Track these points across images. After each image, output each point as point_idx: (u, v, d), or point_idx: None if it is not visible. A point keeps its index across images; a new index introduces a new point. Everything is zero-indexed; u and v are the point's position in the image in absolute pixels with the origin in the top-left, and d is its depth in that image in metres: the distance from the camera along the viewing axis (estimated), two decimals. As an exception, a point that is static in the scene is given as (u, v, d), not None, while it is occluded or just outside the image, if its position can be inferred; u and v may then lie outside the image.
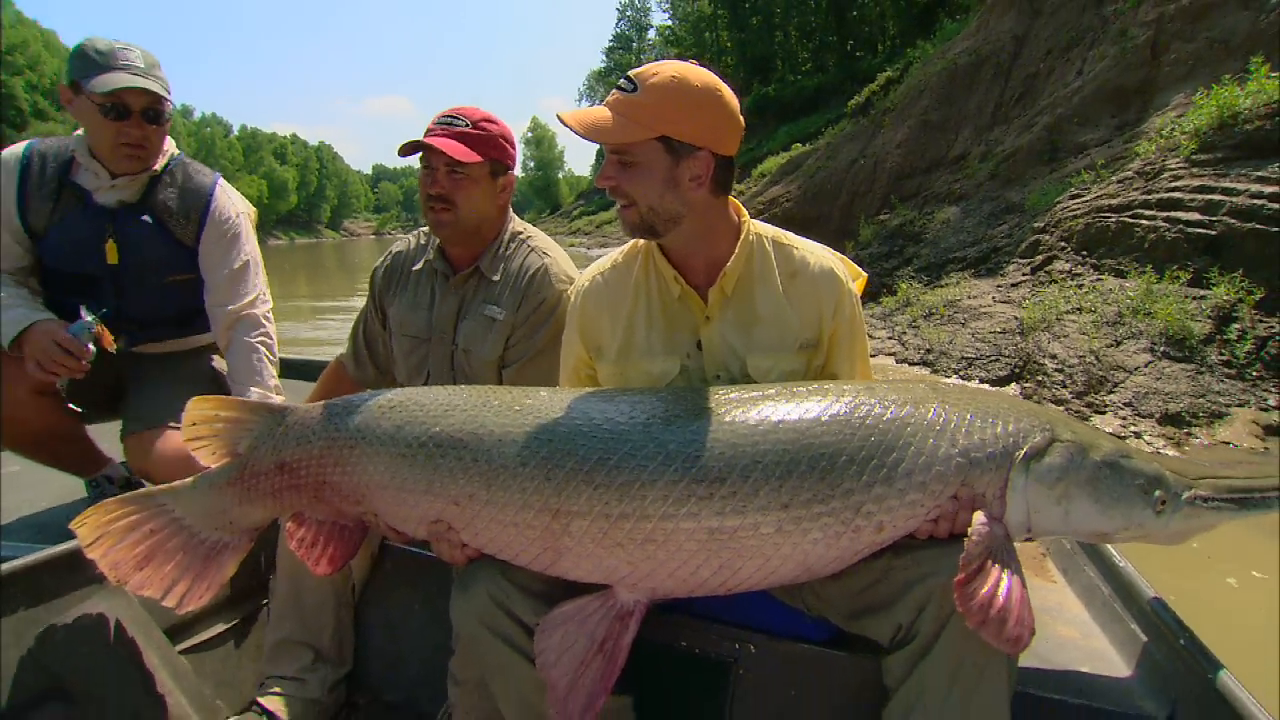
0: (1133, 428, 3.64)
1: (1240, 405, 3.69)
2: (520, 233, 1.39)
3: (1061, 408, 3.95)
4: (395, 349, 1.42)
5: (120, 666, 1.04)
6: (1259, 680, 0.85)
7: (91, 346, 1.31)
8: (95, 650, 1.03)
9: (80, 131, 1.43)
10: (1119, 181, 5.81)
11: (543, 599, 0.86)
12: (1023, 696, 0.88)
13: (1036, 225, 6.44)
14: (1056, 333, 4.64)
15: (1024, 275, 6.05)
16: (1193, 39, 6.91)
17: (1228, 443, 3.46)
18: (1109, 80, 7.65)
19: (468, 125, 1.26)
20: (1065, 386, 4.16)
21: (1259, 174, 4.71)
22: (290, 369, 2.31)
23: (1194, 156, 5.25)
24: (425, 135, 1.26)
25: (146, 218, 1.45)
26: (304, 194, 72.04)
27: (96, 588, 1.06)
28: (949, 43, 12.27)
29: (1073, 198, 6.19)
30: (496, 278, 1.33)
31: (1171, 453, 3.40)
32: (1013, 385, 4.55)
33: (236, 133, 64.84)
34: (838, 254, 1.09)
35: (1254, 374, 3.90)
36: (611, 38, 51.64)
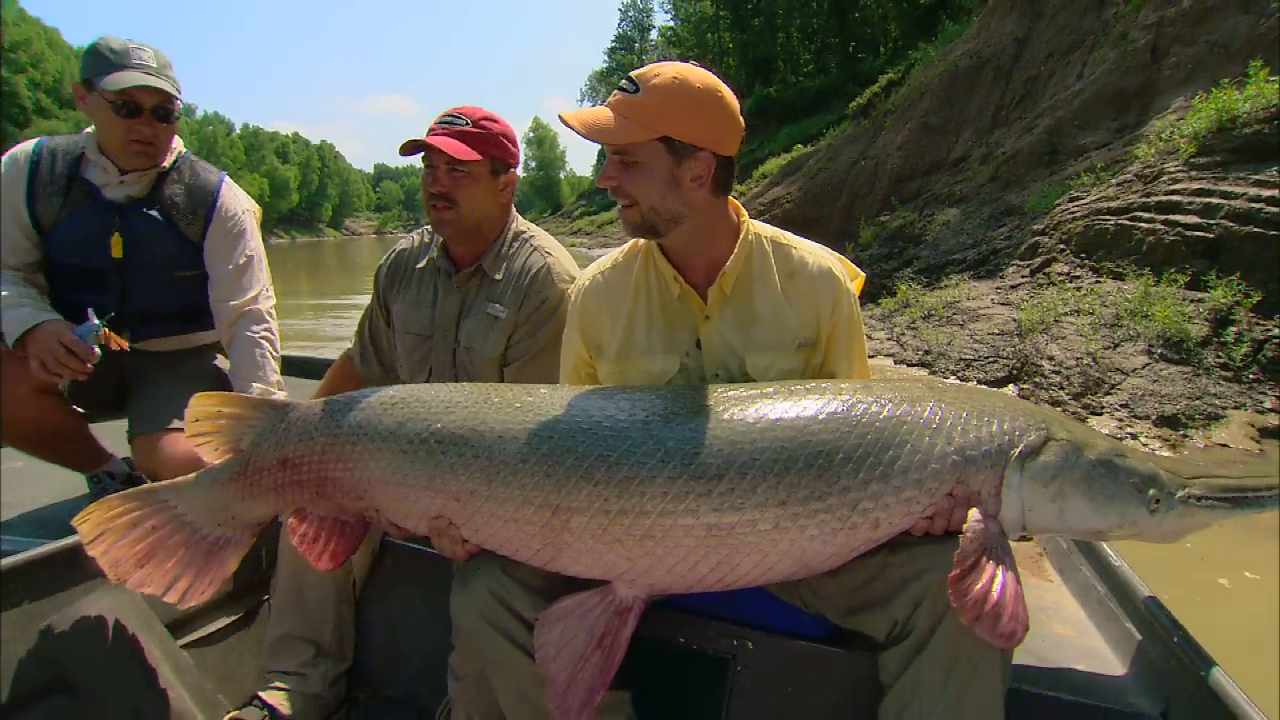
0: (1129, 429, 3.65)
1: (1236, 407, 3.71)
2: (523, 232, 1.40)
3: (1058, 409, 3.96)
4: (398, 346, 1.43)
5: (122, 661, 1.04)
6: (1252, 679, 0.86)
7: (97, 349, 1.32)
8: (97, 645, 1.03)
9: (90, 129, 1.45)
10: (1118, 184, 5.82)
11: (542, 594, 0.87)
12: (1018, 693, 0.89)
13: (1036, 228, 6.45)
14: (1054, 335, 4.65)
15: (1023, 277, 6.07)
16: (1193, 42, 6.92)
17: (1224, 445, 3.47)
18: (1109, 83, 7.67)
19: (468, 124, 1.26)
20: (1062, 388, 4.17)
21: (1257, 177, 4.73)
22: (292, 366, 2.32)
23: (1193, 160, 5.26)
24: (427, 135, 1.27)
25: (154, 213, 1.47)
26: (305, 193, 72.08)
27: (99, 582, 1.07)
28: (950, 45, 12.30)
29: (1072, 200, 6.20)
30: (499, 276, 1.34)
31: (1167, 454, 3.42)
32: (1010, 387, 4.56)
33: (239, 131, 64.91)
34: (836, 254, 1.10)
35: (1250, 376, 3.91)
36: (614, 38, 51.76)
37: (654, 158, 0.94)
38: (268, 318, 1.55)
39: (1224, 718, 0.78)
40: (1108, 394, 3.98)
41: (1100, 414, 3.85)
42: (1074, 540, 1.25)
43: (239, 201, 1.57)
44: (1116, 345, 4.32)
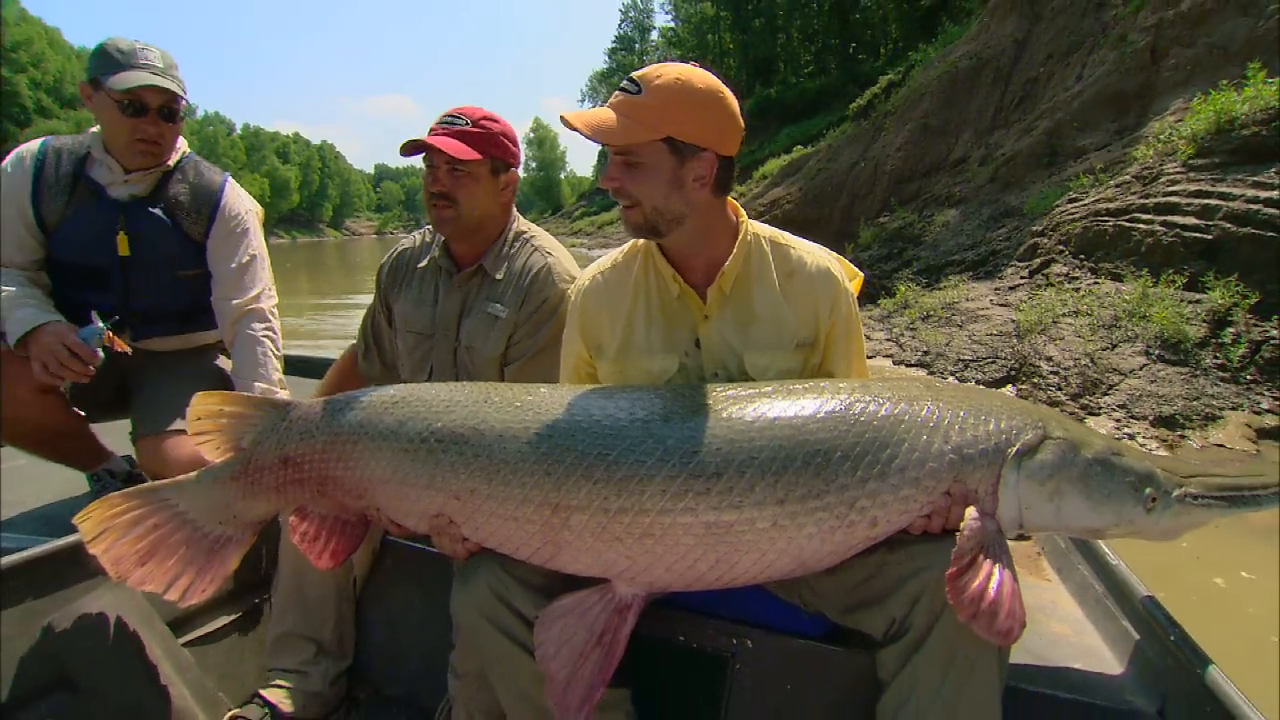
0: (1126, 430, 3.66)
1: (1234, 408, 3.72)
2: (524, 232, 1.41)
3: (1056, 409, 3.97)
4: (400, 345, 1.44)
5: (124, 659, 1.05)
6: (1248, 678, 0.86)
7: (100, 352, 1.33)
8: (99, 643, 1.04)
9: (96, 129, 1.46)
10: (1117, 186, 5.83)
11: (542, 592, 0.88)
12: (1016, 692, 0.90)
13: (1035, 229, 6.46)
14: (1052, 335, 4.66)
15: (1022, 278, 6.08)
16: (1192, 44, 6.94)
17: (1221, 445, 3.48)
18: (1108, 85, 7.69)
19: (468, 124, 1.27)
20: (1060, 389, 4.18)
21: (1255, 179, 4.74)
22: (292, 365, 2.32)
23: (1191, 161, 5.28)
24: (428, 135, 1.28)
25: (158, 211, 1.48)
26: (306, 193, 72.09)
27: (101, 580, 1.07)
28: (950, 47, 12.31)
29: (1071, 201, 6.21)
30: (500, 276, 1.35)
31: (1164, 455, 3.43)
32: (1009, 387, 4.57)
33: (239, 131, 64.90)
34: (834, 254, 1.10)
35: (1248, 377, 3.93)
36: (614, 39, 51.74)
37: (657, 158, 0.95)
38: (270, 316, 1.56)
39: (1220, 715, 0.79)
40: (1105, 395, 3.99)
41: (1098, 414, 3.86)
42: (1072, 539, 1.25)
43: (242, 201, 1.58)
44: (1114, 346, 4.33)
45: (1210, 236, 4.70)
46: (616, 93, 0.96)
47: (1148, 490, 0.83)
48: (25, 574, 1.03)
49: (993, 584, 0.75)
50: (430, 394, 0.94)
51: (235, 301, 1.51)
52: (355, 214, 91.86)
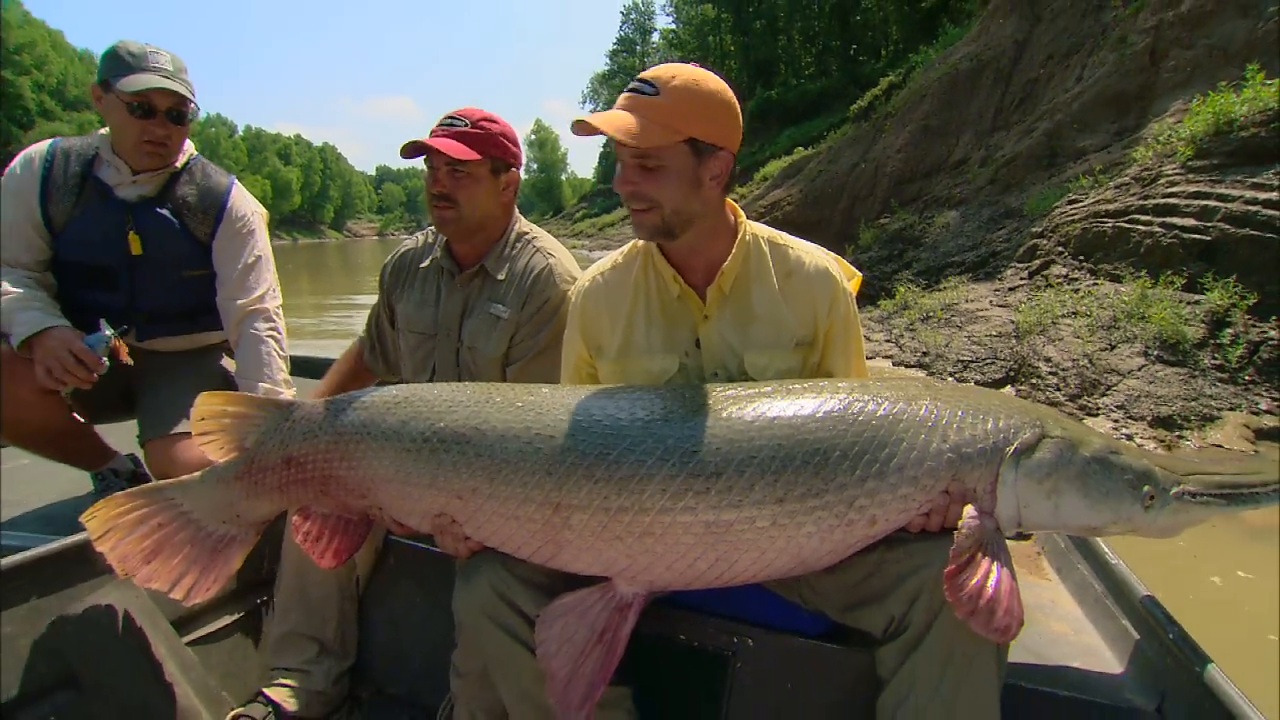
0: (1124, 430, 3.67)
1: (1232, 409, 3.73)
2: (526, 233, 1.41)
3: (1055, 409, 3.97)
4: (402, 345, 1.45)
5: (128, 657, 1.05)
6: (1246, 676, 0.87)
7: (105, 360, 1.34)
8: (104, 641, 1.05)
9: (104, 130, 1.48)
10: (1116, 187, 5.84)
11: (544, 591, 0.88)
12: (1015, 690, 0.90)
13: (1035, 230, 6.47)
14: (1051, 336, 4.67)
15: (1021, 280, 6.08)
16: (1191, 46, 6.95)
17: (1219, 445, 3.49)
18: (1108, 86, 7.69)
19: (467, 125, 1.28)
20: (1059, 389, 4.19)
21: (1254, 180, 4.74)
22: (296, 365, 2.33)
23: (1190, 163, 5.28)
24: (428, 137, 1.29)
25: (165, 212, 1.49)
26: (308, 194, 72.18)
27: (106, 579, 1.08)
28: (950, 48, 12.32)
29: (1070, 203, 6.22)
30: (502, 276, 1.35)
31: (1162, 454, 3.42)
32: (1008, 388, 4.57)
33: (241, 133, 65.00)
34: (833, 254, 1.11)
35: (1246, 378, 3.93)
36: (615, 41, 51.83)
37: (679, 160, 0.95)
38: (275, 317, 1.57)
39: (1218, 713, 0.79)
40: (1104, 395, 3.99)
41: (1096, 415, 3.87)
42: (1071, 539, 1.26)
43: (248, 203, 1.59)
44: (1113, 347, 4.34)
45: (1209, 238, 4.71)
46: (628, 94, 0.95)
47: (1146, 488, 0.83)
48: (30, 573, 1.04)
49: (990, 582, 0.76)
50: (432, 394, 0.94)
51: (240, 302, 1.52)
52: (357, 215, 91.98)
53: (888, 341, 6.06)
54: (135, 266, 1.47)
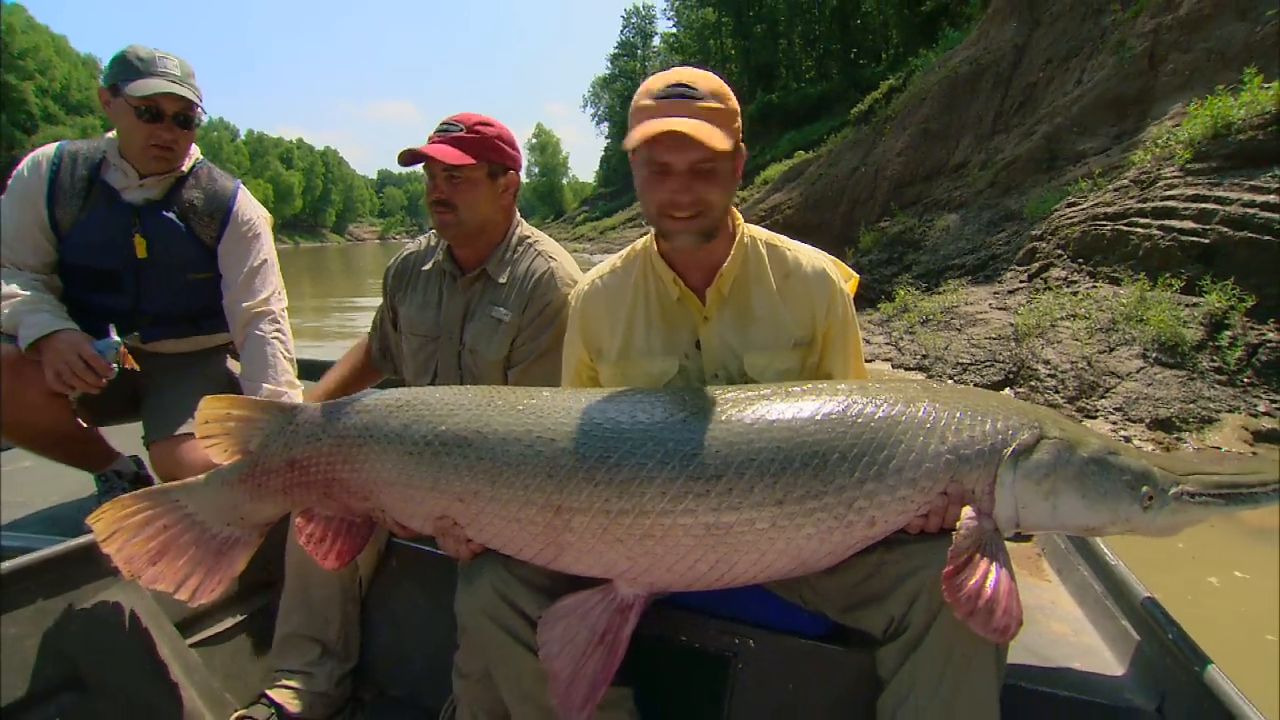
0: (1123, 432, 3.67)
1: (1230, 411, 3.73)
2: (528, 237, 1.42)
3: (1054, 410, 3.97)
4: (404, 347, 1.46)
5: (133, 659, 1.06)
6: (1243, 675, 0.87)
7: (115, 366, 1.34)
8: (109, 643, 1.05)
9: (112, 134, 1.50)
10: (1115, 190, 5.85)
11: (545, 592, 0.89)
12: (1016, 690, 0.91)
13: (1034, 233, 6.48)
14: (1050, 339, 4.67)
15: (1021, 282, 6.09)
16: (1190, 50, 6.97)
17: (1217, 447, 3.49)
18: (1107, 90, 7.72)
19: (462, 130, 1.29)
20: (1058, 392, 4.19)
21: (1252, 183, 4.76)
22: (301, 368, 2.34)
23: (1189, 165, 5.30)
24: (425, 144, 1.30)
25: (171, 215, 1.51)
26: (309, 198, 72.30)
27: (110, 581, 1.09)
28: (950, 52, 12.36)
29: (1070, 206, 6.23)
30: (503, 280, 1.36)
31: (1161, 454, 3.42)
32: (1006, 390, 4.58)
33: (243, 137, 65.21)
34: (830, 256, 1.12)
35: (1245, 380, 3.93)
36: (616, 44, 52.06)
37: (727, 162, 0.96)
38: (280, 319, 1.58)
39: (1218, 712, 0.80)
40: (1102, 397, 4.00)
41: (1095, 417, 3.88)
42: (1071, 540, 1.26)
43: (254, 207, 1.61)
44: (1112, 349, 4.34)
45: (1207, 240, 4.72)
46: (678, 100, 0.92)
47: (1144, 489, 0.84)
48: (35, 574, 1.05)
49: (989, 582, 0.76)
50: (434, 398, 0.95)
51: (246, 305, 1.54)
52: (358, 219, 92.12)
53: (887, 344, 6.07)
54: (140, 269, 1.48)
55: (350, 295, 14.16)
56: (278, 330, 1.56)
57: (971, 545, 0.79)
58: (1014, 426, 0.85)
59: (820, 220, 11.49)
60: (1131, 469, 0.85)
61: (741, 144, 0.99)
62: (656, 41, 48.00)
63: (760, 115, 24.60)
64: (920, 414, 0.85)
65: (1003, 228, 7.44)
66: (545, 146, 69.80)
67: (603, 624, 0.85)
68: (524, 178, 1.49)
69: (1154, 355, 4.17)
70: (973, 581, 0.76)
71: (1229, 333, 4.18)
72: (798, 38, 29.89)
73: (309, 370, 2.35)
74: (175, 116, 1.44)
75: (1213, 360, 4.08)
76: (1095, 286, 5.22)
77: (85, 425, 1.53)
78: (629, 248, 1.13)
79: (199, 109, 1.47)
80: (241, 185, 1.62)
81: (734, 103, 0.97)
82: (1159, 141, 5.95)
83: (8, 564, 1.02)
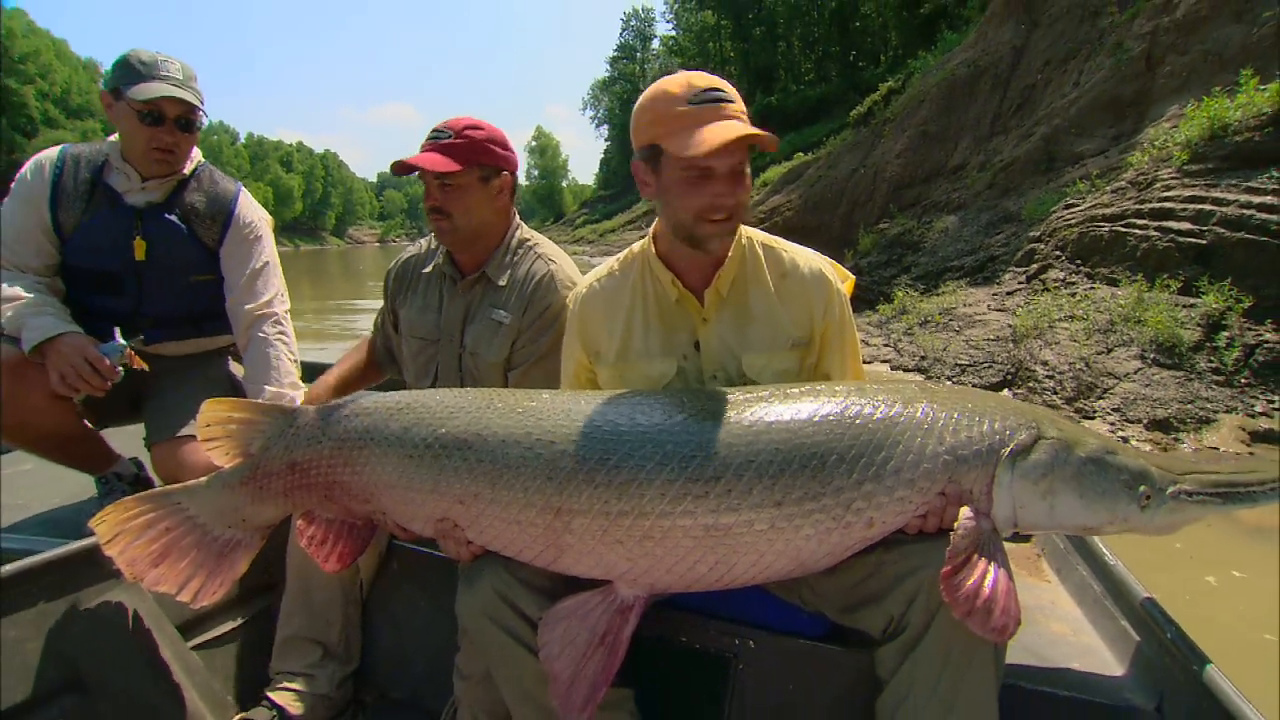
0: (1121, 433, 3.68)
1: (1228, 411, 3.74)
2: (527, 239, 1.43)
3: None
4: (405, 350, 1.46)
5: (134, 661, 1.06)
6: (1241, 675, 0.87)
7: (120, 370, 1.35)
8: (110, 645, 1.05)
9: (114, 137, 1.51)
10: (1113, 191, 5.87)
11: (546, 593, 0.89)
12: (1016, 690, 0.91)
13: (1032, 234, 6.50)
14: (1048, 340, 4.68)
15: (1019, 284, 6.10)
16: (1186, 51, 6.99)
17: (1214, 448, 3.50)
18: (1105, 91, 7.74)
19: (451, 137, 1.29)
20: (1056, 393, 4.20)
21: (1248, 184, 4.77)
22: (305, 371, 2.34)
23: (1186, 167, 5.32)
24: (416, 153, 1.30)
25: (173, 217, 1.52)
26: (309, 201, 72.32)
27: (111, 584, 1.09)
28: (949, 54, 12.39)
29: (1068, 207, 6.25)
30: (503, 283, 1.37)
31: (1159, 454, 3.43)
32: (1005, 391, 4.58)
33: (243, 140, 65.29)
34: (825, 258, 1.13)
35: (1242, 381, 3.94)
36: (616, 47, 52.07)
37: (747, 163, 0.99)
38: (283, 321, 1.59)
39: (1217, 712, 0.80)
40: (1100, 398, 4.01)
41: (1093, 418, 3.89)
42: (1071, 541, 1.26)
43: (255, 210, 1.62)
44: (1110, 350, 4.35)
45: (1204, 241, 4.74)
46: (722, 104, 0.95)
47: (1142, 488, 0.84)
48: (36, 577, 1.05)
49: (987, 581, 0.77)
50: (434, 400, 0.96)
51: (249, 307, 1.54)
52: (358, 222, 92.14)
53: (886, 346, 6.08)
54: (142, 271, 1.49)
55: (350, 298, 14.18)
56: (281, 332, 1.57)
57: (969, 545, 0.79)
58: (1011, 427, 0.86)
59: (819, 222, 11.51)
60: (1129, 468, 0.85)
61: None
62: (656, 44, 48.12)
63: (759, 117, 24.13)
64: (918, 415, 0.85)
65: (1001, 229, 7.46)
66: (545, 149, 69.85)
67: (603, 625, 0.86)
68: (524, 180, 1.51)
69: (1151, 356, 4.18)
70: (971, 581, 0.76)
71: (1226, 333, 4.19)
72: (797, 40, 29.96)
73: (311, 373, 2.36)
74: (177, 120, 1.45)
75: (1210, 361, 4.09)
76: (1093, 288, 5.23)
77: (91, 426, 1.54)
78: (626, 251, 1.14)
79: (201, 112, 1.48)
80: (243, 188, 1.63)
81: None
82: (1156, 143, 5.97)
83: (9, 567, 1.02)
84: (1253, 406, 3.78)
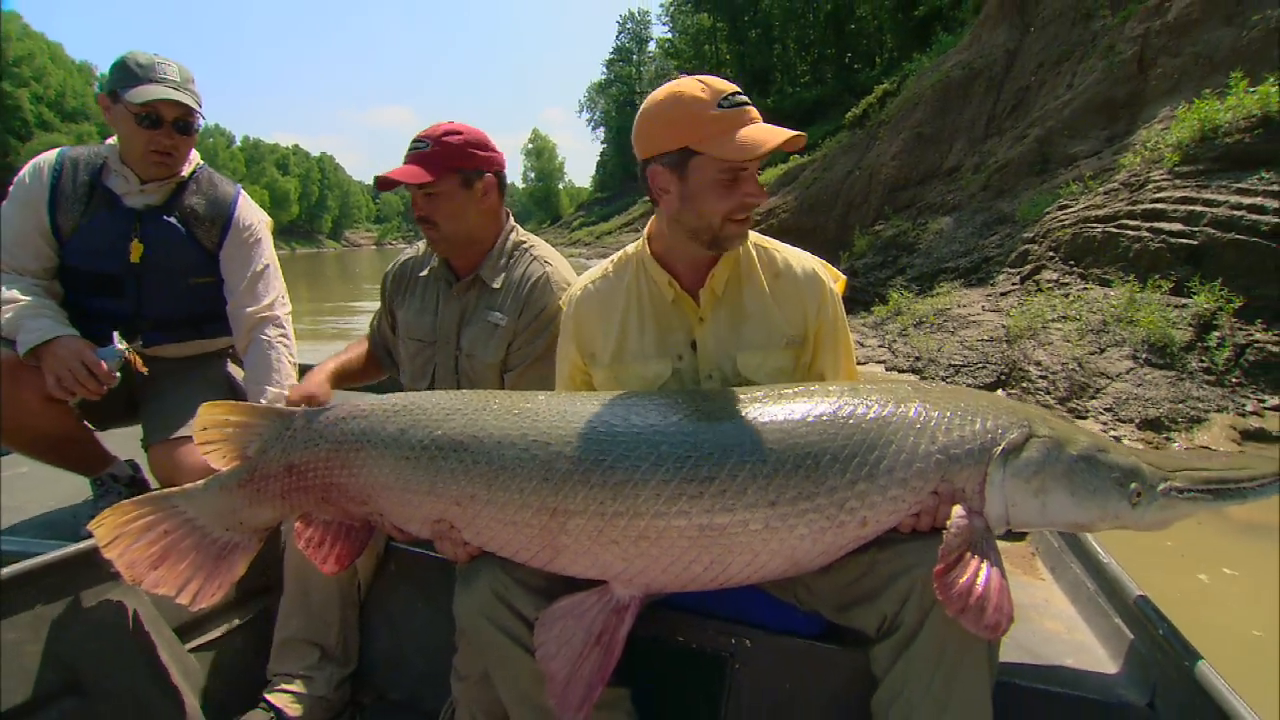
0: (1113, 432, 3.70)
1: (1219, 410, 3.77)
2: (523, 242, 1.43)
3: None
4: (402, 351, 1.46)
5: (132, 664, 1.06)
6: (1233, 672, 0.88)
7: (118, 375, 1.35)
8: (108, 647, 1.05)
9: (112, 140, 1.51)
10: (1106, 193, 5.92)
11: (542, 594, 0.90)
12: (1010, 687, 0.92)
13: (1026, 235, 6.54)
14: (1041, 340, 4.71)
15: (1013, 285, 6.14)
16: (1178, 54, 7.06)
17: (1206, 447, 3.53)
18: (1098, 94, 7.80)
19: (428, 146, 1.28)
20: (1049, 393, 4.23)
21: (1239, 186, 4.82)
22: (304, 373, 2.34)
23: (1177, 169, 5.36)
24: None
25: (172, 220, 1.52)
26: (305, 204, 72.02)
27: (109, 586, 1.09)
28: (943, 56, 12.46)
29: (1061, 209, 6.29)
30: (498, 285, 1.37)
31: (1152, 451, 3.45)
32: (999, 391, 4.61)
33: (239, 143, 65.09)
34: (817, 258, 1.14)
35: (1233, 380, 3.98)
36: (612, 50, 52.13)
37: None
38: (284, 323, 1.59)
39: (1208, 707, 0.80)
40: (1093, 398, 4.03)
41: (1085, 417, 3.91)
42: (1064, 539, 1.27)
43: (255, 213, 1.62)
44: (1102, 350, 4.38)
45: (1196, 242, 4.78)
46: (744, 108, 0.97)
47: (1133, 485, 0.84)
48: (34, 580, 1.05)
49: (980, 579, 0.77)
50: (431, 402, 0.96)
51: (250, 309, 1.54)
52: (354, 225, 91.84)
53: (880, 347, 6.10)
54: (141, 274, 1.49)
55: (347, 300, 14.17)
56: (282, 335, 1.57)
57: (962, 543, 0.80)
58: (1003, 425, 0.86)
59: (815, 224, 11.54)
60: (1120, 466, 0.86)
61: None
62: (652, 47, 48.22)
63: (755, 120, 24.59)
64: (911, 414, 0.86)
65: (995, 230, 7.50)
66: (542, 152, 69.84)
67: (599, 625, 0.86)
68: (520, 183, 1.51)
69: (1144, 356, 4.21)
70: (964, 579, 0.77)
71: (1217, 333, 4.23)
72: (792, 42, 30.07)
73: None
74: (175, 122, 1.45)
75: (1201, 361, 4.13)
76: (1086, 288, 5.27)
77: (88, 428, 1.53)
78: (619, 252, 1.15)
79: (198, 115, 1.48)
80: (242, 190, 1.63)
81: None
82: (1148, 145, 6.02)
83: (6, 570, 1.02)
84: (1243, 405, 3.82)
